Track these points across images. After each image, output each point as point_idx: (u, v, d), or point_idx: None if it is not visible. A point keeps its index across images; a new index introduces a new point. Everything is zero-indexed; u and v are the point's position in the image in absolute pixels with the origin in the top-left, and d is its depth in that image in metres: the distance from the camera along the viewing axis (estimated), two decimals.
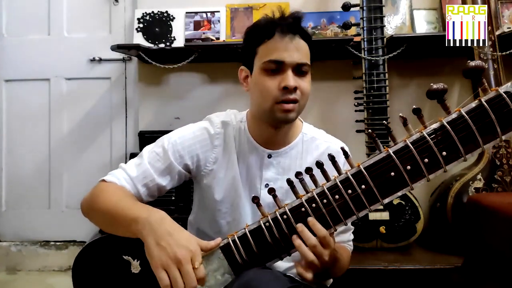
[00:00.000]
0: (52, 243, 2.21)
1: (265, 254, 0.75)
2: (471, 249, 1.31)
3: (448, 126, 0.63)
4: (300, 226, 0.72)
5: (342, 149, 0.74)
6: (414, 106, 0.64)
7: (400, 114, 0.66)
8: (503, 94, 0.61)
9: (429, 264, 1.50)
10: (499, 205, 1.19)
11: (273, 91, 0.86)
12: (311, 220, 0.71)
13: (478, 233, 1.27)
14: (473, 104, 0.63)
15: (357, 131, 1.73)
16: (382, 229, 1.62)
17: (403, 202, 1.63)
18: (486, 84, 0.62)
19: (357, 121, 1.76)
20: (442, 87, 0.63)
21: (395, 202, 1.63)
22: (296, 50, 0.86)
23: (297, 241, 0.72)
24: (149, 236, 0.73)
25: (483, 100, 0.62)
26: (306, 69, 0.88)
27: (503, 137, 0.62)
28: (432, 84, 0.64)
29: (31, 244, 2.21)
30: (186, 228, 1.06)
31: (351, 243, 1.01)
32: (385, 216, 1.62)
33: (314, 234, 0.72)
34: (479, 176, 1.62)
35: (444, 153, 0.64)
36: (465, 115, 0.62)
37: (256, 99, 0.91)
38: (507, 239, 1.10)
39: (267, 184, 0.93)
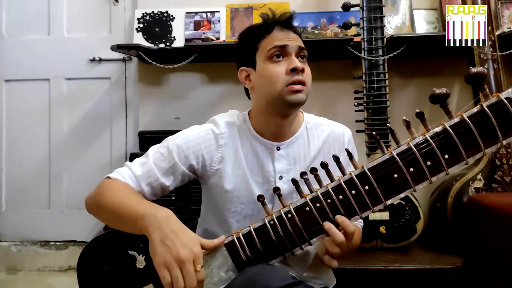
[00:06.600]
0: (52, 243, 2.21)
1: (269, 252, 0.76)
2: (471, 249, 1.31)
3: (450, 130, 0.64)
4: (327, 224, 0.74)
5: (347, 150, 0.75)
6: (417, 110, 0.65)
7: (404, 117, 0.68)
8: (504, 100, 0.62)
9: (429, 264, 1.50)
10: (499, 205, 1.19)
11: (282, 75, 0.89)
12: (340, 217, 0.74)
13: (478, 233, 1.27)
14: (475, 109, 0.64)
15: (357, 131, 1.73)
16: (382, 229, 1.62)
17: (403, 202, 1.63)
18: (487, 90, 0.63)
19: (357, 121, 1.76)
20: (445, 92, 0.64)
21: (395, 202, 1.63)
22: (295, 39, 0.92)
23: (326, 239, 0.76)
24: (155, 233, 0.73)
25: (484, 105, 0.63)
26: (305, 54, 0.94)
27: (504, 142, 0.63)
28: (435, 89, 0.65)
29: (31, 244, 2.21)
30: (195, 229, 1.07)
31: (361, 220, 1.02)
32: (385, 216, 1.62)
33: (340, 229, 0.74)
34: (479, 176, 1.62)
35: (446, 156, 0.65)
36: (467, 119, 0.63)
37: (263, 89, 0.92)
38: (507, 239, 1.10)
39: (281, 176, 0.94)
